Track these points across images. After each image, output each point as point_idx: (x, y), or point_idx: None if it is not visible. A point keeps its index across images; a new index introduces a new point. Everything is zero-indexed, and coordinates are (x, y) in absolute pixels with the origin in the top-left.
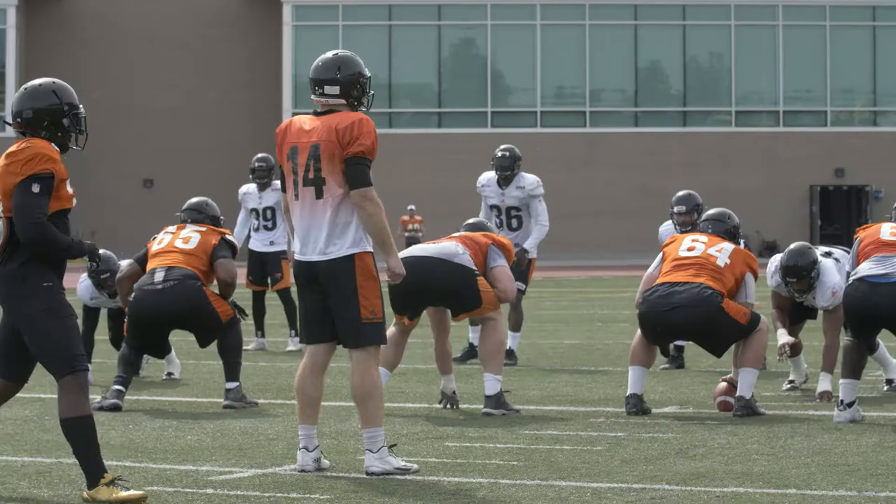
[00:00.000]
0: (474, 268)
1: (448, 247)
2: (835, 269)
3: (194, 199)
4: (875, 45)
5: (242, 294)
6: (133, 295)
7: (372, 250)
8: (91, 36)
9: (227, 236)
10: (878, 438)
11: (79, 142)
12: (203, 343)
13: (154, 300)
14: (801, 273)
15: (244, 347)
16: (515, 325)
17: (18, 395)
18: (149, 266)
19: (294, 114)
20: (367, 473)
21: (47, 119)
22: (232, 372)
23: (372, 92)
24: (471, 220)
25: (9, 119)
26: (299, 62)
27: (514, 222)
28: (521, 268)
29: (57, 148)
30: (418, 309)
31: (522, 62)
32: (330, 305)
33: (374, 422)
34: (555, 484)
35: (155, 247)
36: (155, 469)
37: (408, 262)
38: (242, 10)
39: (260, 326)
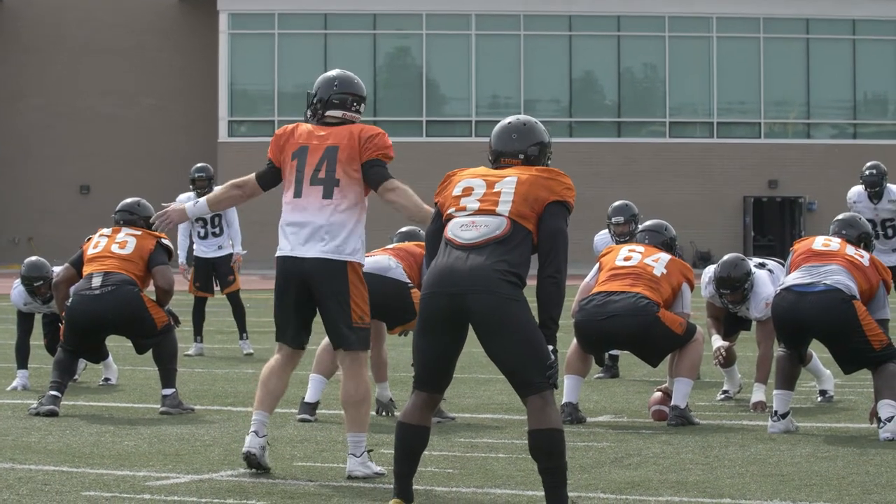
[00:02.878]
0: (408, 281)
1: (381, 261)
2: (768, 281)
3: (127, 200)
4: (809, 57)
5: (182, 300)
6: (70, 300)
7: (364, 263)
8: (28, 42)
9: (163, 240)
10: (812, 449)
11: None
12: (140, 350)
13: (91, 305)
14: (735, 285)
15: (186, 352)
16: None
17: None
18: (85, 270)
19: (230, 122)
20: (349, 477)
21: (546, 155)
22: (168, 378)
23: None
24: (404, 229)
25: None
26: (235, 70)
27: (890, 231)
28: None
29: None
30: None
31: (457, 72)
32: (314, 308)
33: (361, 427)
34: (490, 492)
35: (91, 250)
36: (92, 474)
37: None
38: (178, 17)
39: (199, 332)
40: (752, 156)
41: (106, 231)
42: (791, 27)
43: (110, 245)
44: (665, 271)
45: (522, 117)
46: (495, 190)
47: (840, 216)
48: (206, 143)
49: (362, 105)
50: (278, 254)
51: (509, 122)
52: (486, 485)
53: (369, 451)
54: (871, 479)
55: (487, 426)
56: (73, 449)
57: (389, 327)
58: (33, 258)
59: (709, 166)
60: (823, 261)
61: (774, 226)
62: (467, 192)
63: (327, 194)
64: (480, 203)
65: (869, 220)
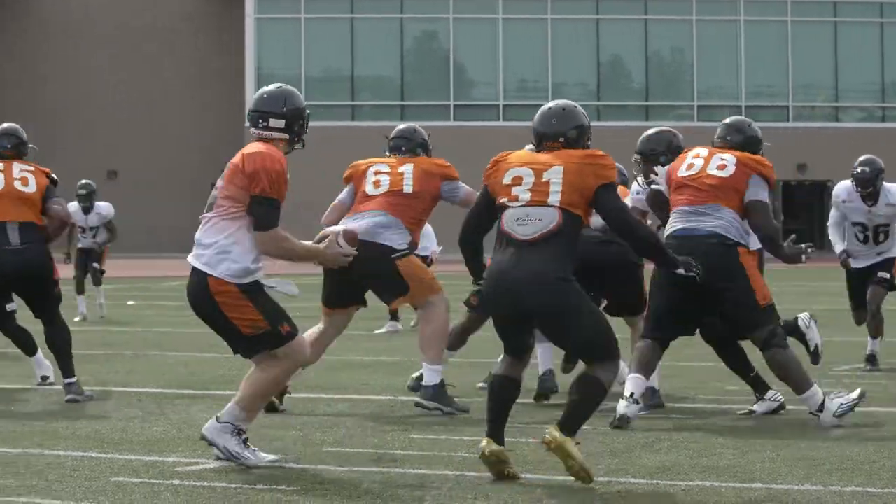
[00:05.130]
0: (397, 247)
1: (374, 220)
2: None
3: (5, 125)
4: (836, 41)
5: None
6: None
7: (235, 282)
8: (55, 27)
9: (52, 174)
10: (844, 433)
11: None
12: (41, 314)
13: (10, 260)
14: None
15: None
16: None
17: None
18: None
19: None
20: (201, 437)
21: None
22: (68, 367)
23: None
24: (402, 126)
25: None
26: (262, 55)
27: (882, 237)
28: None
29: None
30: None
31: (484, 56)
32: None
33: (249, 409)
34: (522, 476)
35: None
36: (121, 460)
37: None
38: (205, 2)
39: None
40: (780, 139)
41: None
42: (819, 10)
43: (12, 181)
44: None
45: (563, 102)
46: (544, 179)
47: (728, 119)
48: (232, 127)
49: (272, 119)
50: None
51: (550, 108)
52: (518, 470)
53: (241, 434)
54: None
55: (517, 411)
56: (101, 435)
57: (386, 301)
58: None
59: None
60: (692, 200)
61: (803, 209)
62: (517, 181)
63: (209, 209)
64: (531, 193)
65: (858, 224)
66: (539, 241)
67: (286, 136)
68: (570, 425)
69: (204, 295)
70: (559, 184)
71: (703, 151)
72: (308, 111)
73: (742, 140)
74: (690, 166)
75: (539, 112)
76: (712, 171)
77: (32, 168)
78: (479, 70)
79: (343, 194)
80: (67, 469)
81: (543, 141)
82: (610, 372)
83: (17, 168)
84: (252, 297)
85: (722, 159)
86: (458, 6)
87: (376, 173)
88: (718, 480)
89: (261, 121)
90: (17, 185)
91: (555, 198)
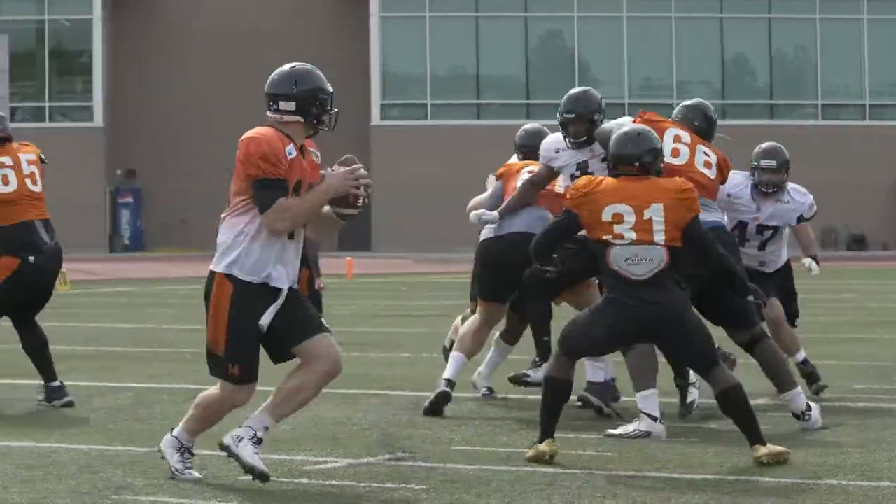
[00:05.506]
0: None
1: (534, 216)
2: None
3: None
4: None
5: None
6: (30, 258)
7: (239, 278)
8: (181, 30)
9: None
10: None
11: None
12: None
13: (48, 265)
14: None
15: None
16: None
17: (111, 384)
18: (17, 214)
19: (383, 105)
20: (158, 449)
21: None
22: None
23: (335, 109)
24: (528, 127)
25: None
26: (387, 53)
27: None
28: None
29: None
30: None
31: (609, 54)
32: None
33: (192, 428)
34: (649, 475)
35: (5, 188)
36: None
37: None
38: (329, 1)
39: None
40: None
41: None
42: None
43: (23, 179)
44: None
45: (638, 126)
46: (646, 218)
47: (692, 102)
48: (356, 126)
49: (282, 102)
50: None
51: (626, 132)
52: (645, 468)
53: (185, 451)
54: None
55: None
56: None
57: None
58: None
59: (861, 149)
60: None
61: None
62: (618, 219)
63: (226, 205)
64: (636, 233)
65: None
66: (653, 278)
67: (300, 118)
68: (754, 438)
69: (209, 286)
70: (661, 222)
71: (683, 136)
72: (329, 91)
73: (707, 127)
74: (676, 152)
75: (615, 135)
76: (700, 166)
77: (34, 157)
78: (603, 68)
79: (488, 191)
80: (195, 468)
81: (618, 164)
82: (724, 370)
83: (24, 161)
84: (237, 314)
85: (706, 155)
86: (581, 5)
87: (530, 172)
88: (846, 479)
89: (272, 104)
90: (29, 183)
91: (660, 237)
